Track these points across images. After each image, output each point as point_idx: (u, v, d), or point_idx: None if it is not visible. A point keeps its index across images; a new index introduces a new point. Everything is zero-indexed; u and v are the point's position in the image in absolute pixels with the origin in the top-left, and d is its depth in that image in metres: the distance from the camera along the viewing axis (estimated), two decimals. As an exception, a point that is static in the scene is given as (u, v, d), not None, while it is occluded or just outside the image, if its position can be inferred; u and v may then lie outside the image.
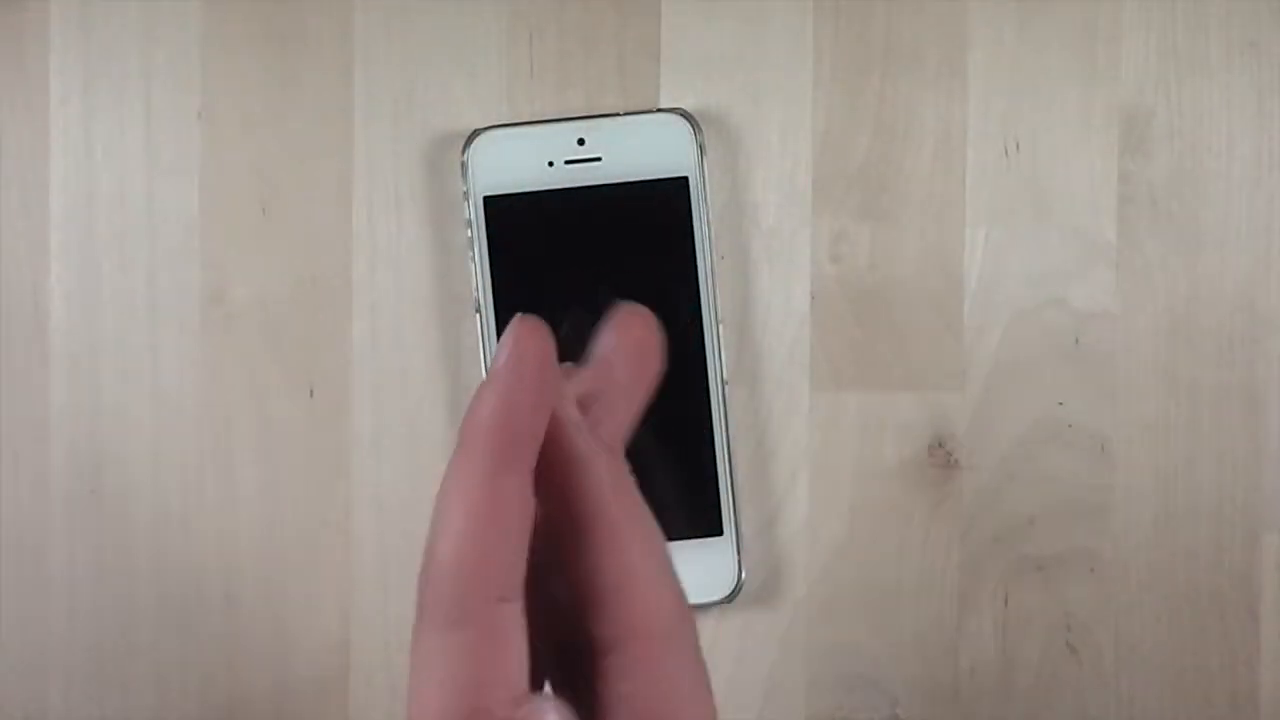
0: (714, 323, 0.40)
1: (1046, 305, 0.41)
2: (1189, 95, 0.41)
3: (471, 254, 0.40)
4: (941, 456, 0.41)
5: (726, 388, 0.40)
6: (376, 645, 0.41)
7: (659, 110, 0.41)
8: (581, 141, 0.40)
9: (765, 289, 0.41)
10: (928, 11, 0.41)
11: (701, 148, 0.40)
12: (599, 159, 0.40)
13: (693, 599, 0.40)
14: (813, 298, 0.41)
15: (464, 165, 0.40)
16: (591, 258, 0.40)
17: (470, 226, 0.40)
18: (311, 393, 0.41)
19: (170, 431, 0.42)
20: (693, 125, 0.40)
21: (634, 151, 0.40)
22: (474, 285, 0.40)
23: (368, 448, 0.41)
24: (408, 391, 0.41)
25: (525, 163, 0.40)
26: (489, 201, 0.40)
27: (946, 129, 0.41)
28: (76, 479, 0.42)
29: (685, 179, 0.40)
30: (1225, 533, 0.41)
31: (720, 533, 0.40)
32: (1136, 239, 0.41)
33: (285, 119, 0.41)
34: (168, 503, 0.41)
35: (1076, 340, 0.41)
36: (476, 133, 0.40)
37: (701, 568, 0.41)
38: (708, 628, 0.41)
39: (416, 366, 0.41)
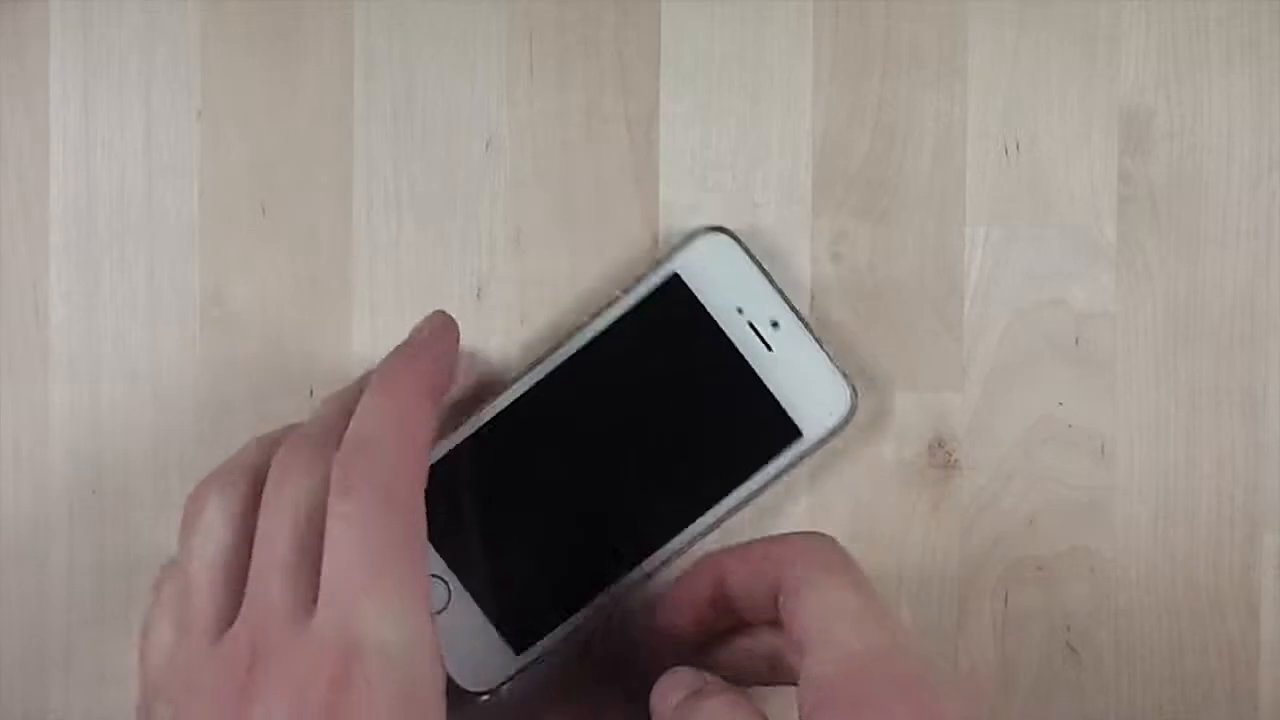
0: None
1: (1046, 305, 0.41)
2: (1189, 95, 0.41)
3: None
4: (941, 456, 0.41)
5: None
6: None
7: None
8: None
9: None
10: (928, 11, 0.41)
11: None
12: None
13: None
14: (813, 298, 0.41)
15: None
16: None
17: None
18: (311, 393, 0.41)
19: (170, 431, 0.41)
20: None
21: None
22: None
23: (367, 448, 0.41)
24: (408, 391, 0.41)
25: None
26: None
27: (946, 129, 0.41)
28: (76, 479, 0.42)
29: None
30: (1225, 533, 0.41)
31: None
32: (1136, 239, 0.41)
33: (285, 119, 0.41)
34: (168, 503, 0.41)
35: (1076, 340, 0.41)
36: None
37: None
38: (708, 628, 0.41)
39: (416, 366, 0.41)
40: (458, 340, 0.37)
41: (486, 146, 0.41)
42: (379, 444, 0.33)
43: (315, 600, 0.32)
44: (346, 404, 0.36)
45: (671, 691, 0.33)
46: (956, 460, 0.41)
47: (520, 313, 0.41)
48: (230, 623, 0.33)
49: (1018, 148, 0.41)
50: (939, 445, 0.41)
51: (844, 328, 0.41)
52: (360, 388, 0.37)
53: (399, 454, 0.33)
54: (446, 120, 0.41)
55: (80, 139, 0.41)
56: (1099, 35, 0.41)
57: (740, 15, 0.41)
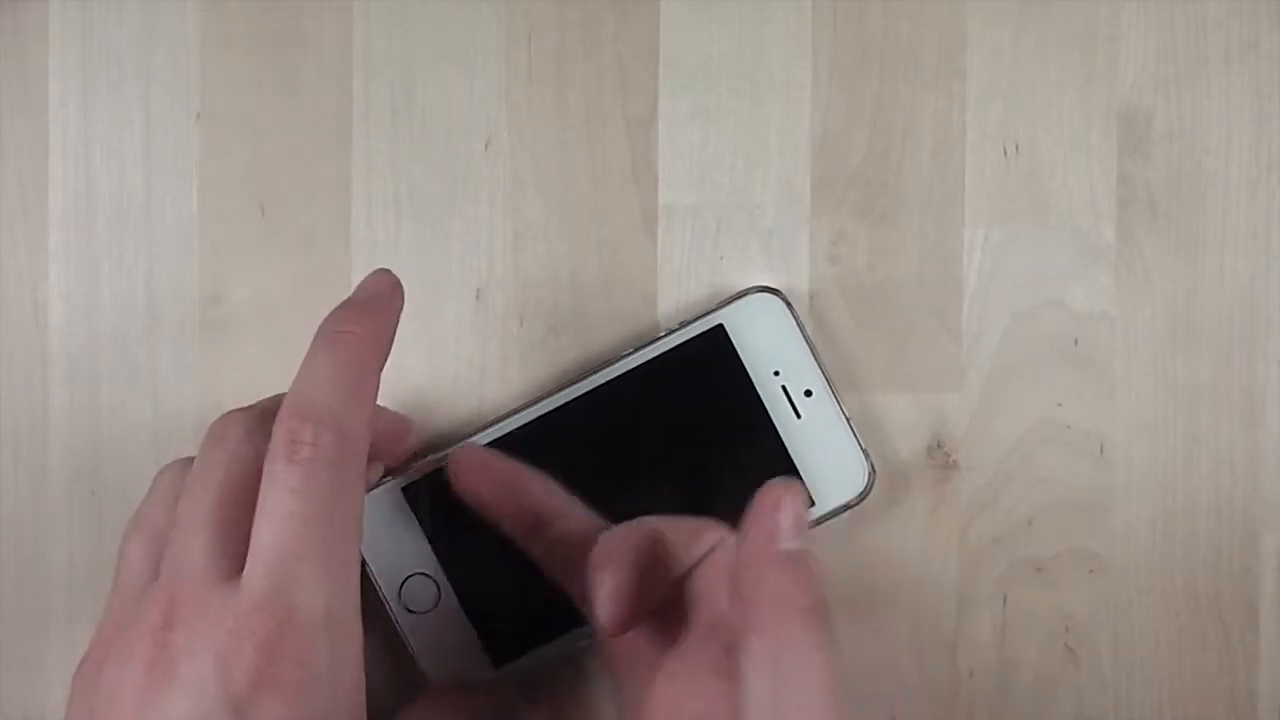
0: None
1: (1045, 306, 0.41)
2: (1188, 96, 0.41)
3: None
4: (941, 458, 0.41)
5: None
6: (378, 644, 0.41)
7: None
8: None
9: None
10: (926, 12, 0.41)
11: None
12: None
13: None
14: (812, 298, 0.41)
15: None
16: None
17: None
18: (311, 393, 0.41)
19: (170, 431, 0.42)
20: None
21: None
22: None
23: (367, 448, 0.41)
24: (407, 391, 0.41)
25: None
26: None
27: (945, 130, 0.41)
28: (76, 479, 0.42)
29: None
30: (1225, 533, 0.41)
31: None
32: (1135, 240, 0.41)
33: (284, 120, 0.41)
34: (167, 503, 0.41)
35: (1075, 341, 0.41)
36: None
37: None
38: (706, 628, 0.41)
39: (416, 366, 0.41)
40: (402, 303, 0.35)
41: (486, 146, 0.41)
42: (327, 410, 0.32)
43: (241, 563, 0.31)
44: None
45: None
46: (956, 461, 0.41)
47: (519, 313, 0.41)
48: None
49: (1016, 149, 0.41)
50: (938, 446, 0.41)
51: (843, 328, 0.41)
52: None
53: (347, 422, 0.32)
54: (446, 120, 0.41)
55: (80, 139, 0.41)
56: (1098, 36, 0.41)
57: (739, 15, 0.41)
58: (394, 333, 0.34)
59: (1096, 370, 0.41)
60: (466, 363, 0.41)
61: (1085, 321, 0.41)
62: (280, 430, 0.31)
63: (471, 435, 0.40)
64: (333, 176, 0.41)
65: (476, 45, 0.41)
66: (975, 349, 0.41)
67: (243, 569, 0.31)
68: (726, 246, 0.41)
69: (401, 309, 0.35)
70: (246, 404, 0.35)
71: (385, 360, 0.34)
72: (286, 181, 0.41)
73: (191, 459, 0.34)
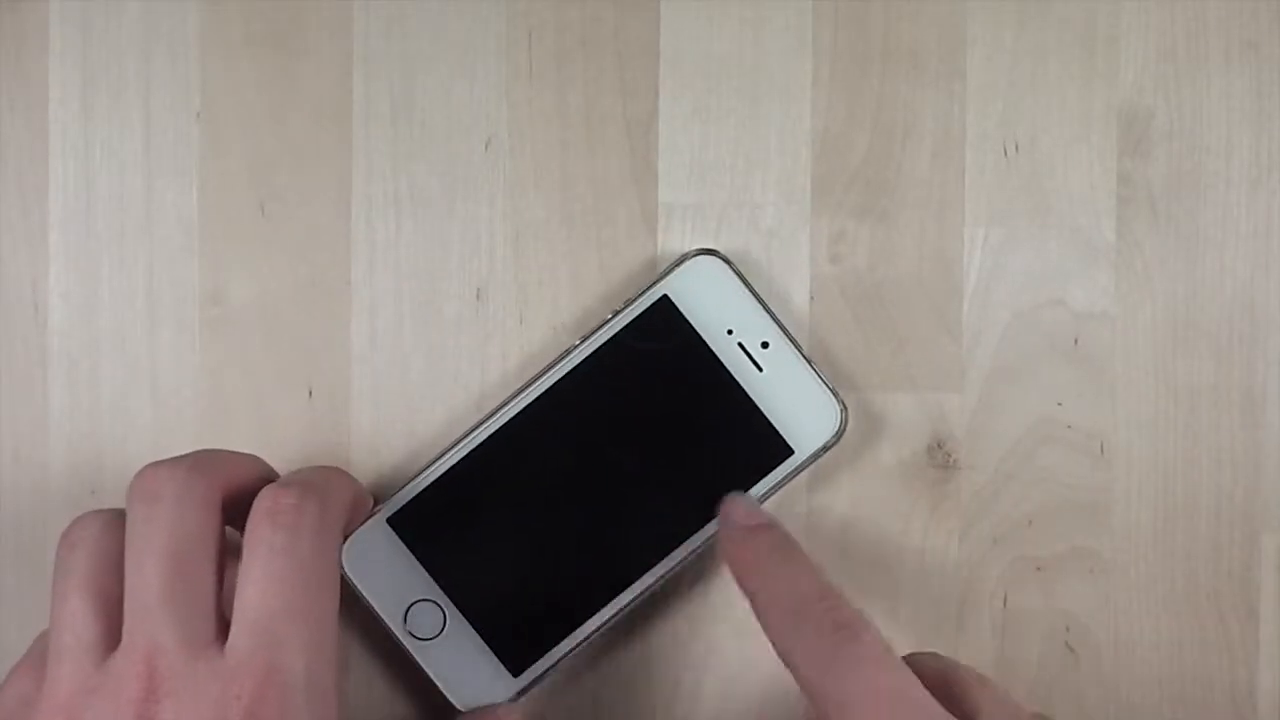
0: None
1: (1046, 306, 0.41)
2: (1189, 95, 0.41)
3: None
4: (941, 457, 0.41)
5: None
6: (377, 646, 0.41)
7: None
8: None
9: (764, 289, 0.41)
10: (927, 12, 0.41)
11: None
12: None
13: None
14: (812, 298, 0.41)
15: None
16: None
17: None
18: (310, 393, 0.41)
19: (170, 431, 0.42)
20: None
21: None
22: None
23: (366, 449, 0.41)
24: (407, 391, 0.41)
25: None
26: None
27: (946, 129, 0.41)
28: (76, 479, 0.42)
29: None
30: (1225, 533, 0.41)
31: None
32: (1136, 240, 0.41)
33: (284, 119, 0.41)
34: (167, 503, 0.41)
35: (1075, 341, 0.41)
36: None
37: None
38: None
39: (416, 366, 0.41)
40: (363, 503, 0.39)
41: (486, 146, 0.41)
42: (309, 483, 0.34)
43: (210, 626, 0.32)
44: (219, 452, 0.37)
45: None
46: (956, 461, 0.41)
47: (520, 313, 0.41)
48: (110, 648, 0.32)
49: (1017, 148, 0.41)
50: (938, 446, 0.41)
51: (843, 328, 0.41)
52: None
53: (328, 495, 0.34)
54: (446, 120, 0.41)
55: (79, 139, 0.41)
56: (1098, 36, 0.41)
57: (740, 15, 0.41)
58: (350, 505, 0.38)
59: (1096, 370, 0.41)
60: (466, 362, 0.41)
61: (1085, 321, 0.41)
62: (264, 498, 0.33)
63: (465, 435, 0.40)
64: (333, 176, 0.41)
65: (476, 45, 0.41)
66: (975, 348, 0.41)
67: (215, 630, 0.32)
68: (726, 246, 0.41)
69: (351, 503, 0.38)
70: (170, 456, 0.36)
71: (350, 514, 0.37)
72: (286, 181, 0.41)
73: (110, 512, 0.35)
